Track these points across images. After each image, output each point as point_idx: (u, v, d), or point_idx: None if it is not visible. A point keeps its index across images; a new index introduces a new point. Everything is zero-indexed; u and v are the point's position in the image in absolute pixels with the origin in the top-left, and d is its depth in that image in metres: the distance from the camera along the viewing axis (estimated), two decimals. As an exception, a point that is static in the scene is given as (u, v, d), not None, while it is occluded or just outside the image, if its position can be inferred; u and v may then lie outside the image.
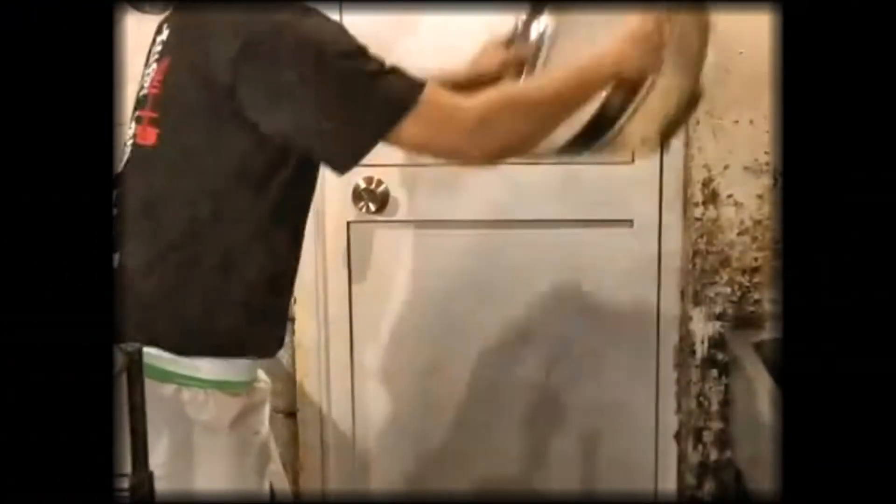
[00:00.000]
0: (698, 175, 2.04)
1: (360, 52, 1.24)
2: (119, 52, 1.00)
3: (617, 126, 1.35)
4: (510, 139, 1.28)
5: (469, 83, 1.62)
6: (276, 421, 1.46)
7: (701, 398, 2.14)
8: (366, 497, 2.25)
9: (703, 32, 1.41)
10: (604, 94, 1.33)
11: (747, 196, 2.04)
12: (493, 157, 1.31)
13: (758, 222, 2.05)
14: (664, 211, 2.10)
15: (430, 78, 1.28)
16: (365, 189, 2.11)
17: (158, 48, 1.36)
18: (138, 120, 1.34)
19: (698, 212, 2.06)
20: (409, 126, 1.22)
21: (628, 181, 2.10)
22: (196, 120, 1.26)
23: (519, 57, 1.52)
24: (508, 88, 1.39)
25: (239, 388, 1.32)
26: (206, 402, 1.27)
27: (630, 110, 1.33)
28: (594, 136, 1.36)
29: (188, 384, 1.27)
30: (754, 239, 2.06)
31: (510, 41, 1.56)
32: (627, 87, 1.32)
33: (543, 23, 1.44)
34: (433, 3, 1.65)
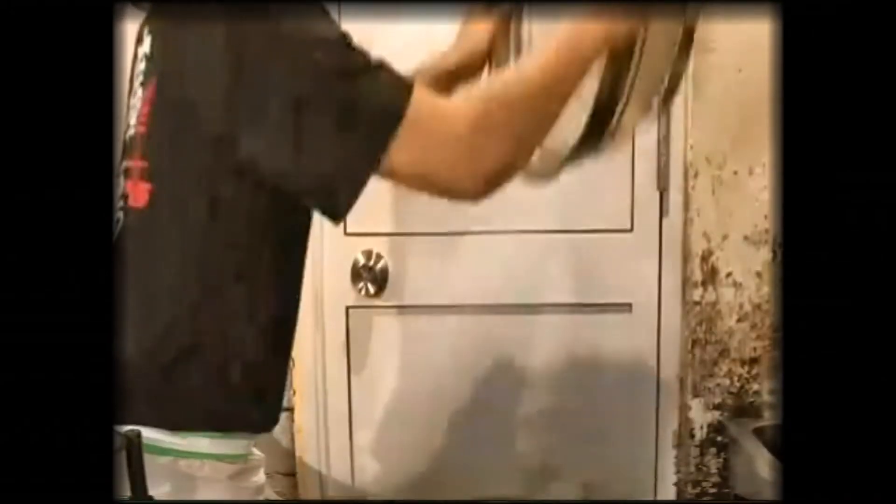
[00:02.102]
0: (697, 247, 2.04)
1: (353, 64, 1.05)
2: (119, 50, 0.98)
3: (617, 113, 1.21)
4: (508, 148, 1.09)
5: (458, 69, 1.46)
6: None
7: (700, 467, 2.12)
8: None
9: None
10: (597, 86, 1.17)
11: (746, 274, 2.04)
12: (491, 175, 1.09)
13: (757, 306, 2.05)
14: (663, 294, 2.10)
15: (417, 79, 1.09)
16: (364, 266, 2.12)
17: (142, 66, 1.16)
18: (127, 173, 1.15)
19: (697, 294, 2.06)
20: (401, 145, 1.04)
21: (626, 257, 2.09)
22: (189, 172, 1.10)
23: (506, 34, 1.38)
24: (493, 86, 1.18)
25: (235, 459, 1.30)
26: (202, 466, 1.26)
27: (626, 90, 1.20)
28: (599, 131, 1.22)
29: (185, 457, 1.25)
30: (753, 326, 2.07)
31: (497, 18, 1.42)
32: (616, 63, 1.17)
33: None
34: (433, 4, 1.58)
